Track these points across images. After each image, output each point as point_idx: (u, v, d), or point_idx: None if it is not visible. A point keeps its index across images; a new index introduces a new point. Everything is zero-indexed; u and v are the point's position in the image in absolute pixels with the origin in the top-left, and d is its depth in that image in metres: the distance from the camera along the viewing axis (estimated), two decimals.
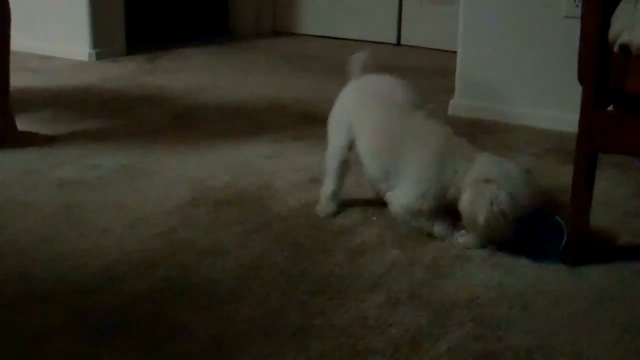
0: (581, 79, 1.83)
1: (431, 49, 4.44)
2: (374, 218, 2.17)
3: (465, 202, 1.92)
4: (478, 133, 3.00)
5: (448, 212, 2.01)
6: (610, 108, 1.88)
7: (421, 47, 4.51)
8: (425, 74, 3.89)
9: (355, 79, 2.25)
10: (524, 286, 1.80)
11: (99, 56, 4.16)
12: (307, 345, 1.55)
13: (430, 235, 2.02)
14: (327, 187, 2.22)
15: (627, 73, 1.76)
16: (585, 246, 1.93)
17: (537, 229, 1.97)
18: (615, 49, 1.76)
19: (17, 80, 3.48)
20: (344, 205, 2.25)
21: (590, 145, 1.84)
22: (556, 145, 2.83)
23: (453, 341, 1.57)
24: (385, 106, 2.12)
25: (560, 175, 2.39)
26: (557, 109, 3.01)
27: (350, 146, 2.19)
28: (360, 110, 2.17)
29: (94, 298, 1.75)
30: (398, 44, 4.64)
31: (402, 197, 2.03)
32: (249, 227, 2.12)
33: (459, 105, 3.24)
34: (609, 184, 2.44)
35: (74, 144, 2.84)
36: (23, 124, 2.89)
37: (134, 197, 2.33)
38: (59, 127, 3.05)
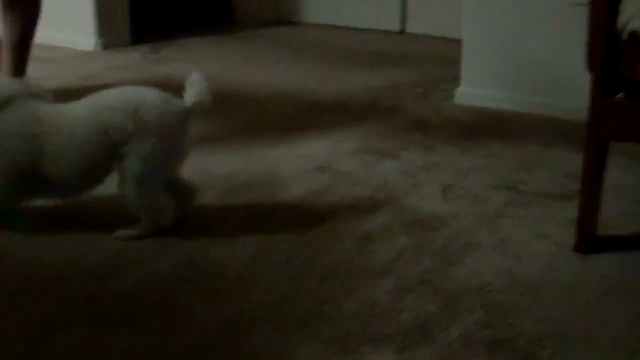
0: (590, 66, 1.82)
1: (436, 37, 4.42)
2: None
3: None
4: (484, 121, 2.99)
5: None
6: (620, 95, 1.87)
7: (426, 35, 4.49)
8: (431, 62, 3.88)
9: None
10: (534, 274, 1.79)
11: (105, 46, 4.14)
12: (317, 331, 1.55)
13: None
14: None
15: (636, 60, 1.75)
16: (595, 234, 1.93)
17: None
18: (625, 36, 1.76)
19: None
20: (353, 194, 2.25)
21: (600, 132, 1.83)
22: (564, 133, 2.82)
23: (463, 328, 1.57)
24: None
25: (570, 164, 2.39)
26: (563, 97, 3.00)
27: None
28: None
29: (104, 283, 1.75)
30: (402, 32, 4.61)
31: None
32: (256, 215, 2.12)
33: (465, 93, 3.23)
34: (618, 172, 2.42)
35: None
36: None
37: None
38: None
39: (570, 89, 2.90)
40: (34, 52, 2.96)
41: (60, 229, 2.02)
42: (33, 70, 2.99)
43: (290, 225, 2.06)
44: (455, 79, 3.29)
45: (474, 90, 3.22)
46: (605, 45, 1.78)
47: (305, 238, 1.98)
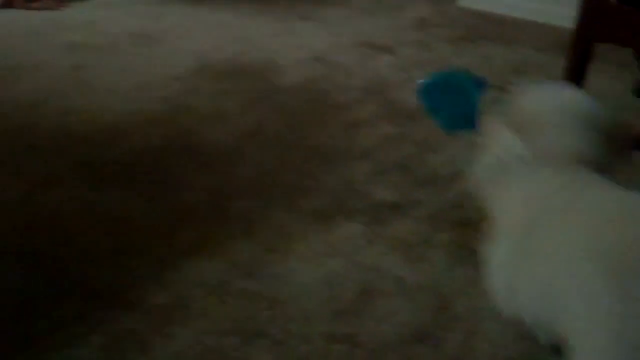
0: None
1: None
2: None
3: None
4: (483, 24, 3.02)
5: None
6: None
7: None
8: None
9: None
10: None
11: None
12: (296, 202, 1.65)
13: None
14: None
15: None
16: None
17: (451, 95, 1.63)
18: None
19: None
20: (346, 84, 2.31)
21: (587, 33, 1.88)
22: (555, 39, 2.84)
23: (433, 207, 1.67)
24: None
25: (556, 67, 2.43)
26: (563, 4, 3.00)
27: None
28: None
29: (99, 150, 1.84)
30: None
31: None
32: (250, 97, 2.20)
33: None
34: (607, 80, 2.48)
35: (84, 10, 2.89)
36: None
37: (140, 62, 2.40)
38: None
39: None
40: None
41: (58, 99, 2.10)
42: None
43: (282, 108, 2.14)
44: None
45: None
46: None
47: (295, 121, 2.06)
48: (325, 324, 1.28)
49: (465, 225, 1.60)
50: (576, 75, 1.92)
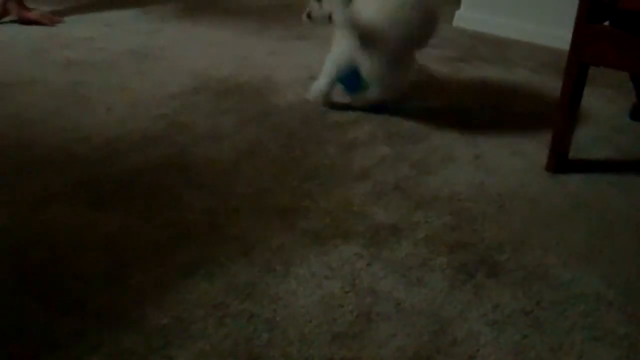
0: None
1: None
2: None
3: None
4: (478, 45, 3.05)
5: None
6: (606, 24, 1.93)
7: None
8: None
9: None
10: (503, 187, 1.89)
11: None
12: (294, 223, 1.66)
13: None
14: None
15: None
16: (567, 155, 2.02)
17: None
18: None
19: None
20: (341, 104, 2.33)
21: (582, 57, 1.90)
22: (551, 61, 2.87)
23: (430, 230, 1.67)
24: None
25: (555, 89, 2.46)
26: (558, 26, 3.03)
27: None
28: None
29: (95, 169, 1.84)
30: None
31: None
32: (247, 116, 2.20)
33: (464, 17, 3.27)
34: (602, 102, 2.50)
35: (82, 27, 2.90)
36: (32, 3, 2.93)
37: (138, 80, 2.40)
38: (68, 9, 3.08)
39: (564, 19, 2.93)
40: None
41: (55, 116, 2.11)
42: None
43: (279, 127, 2.14)
44: (457, 2, 3.32)
45: (473, 15, 3.25)
46: None
47: (292, 141, 2.07)
48: (324, 347, 1.28)
49: (463, 248, 1.61)
50: (573, 99, 1.94)
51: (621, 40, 1.84)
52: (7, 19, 2.85)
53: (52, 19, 2.91)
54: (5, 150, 1.91)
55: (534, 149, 2.11)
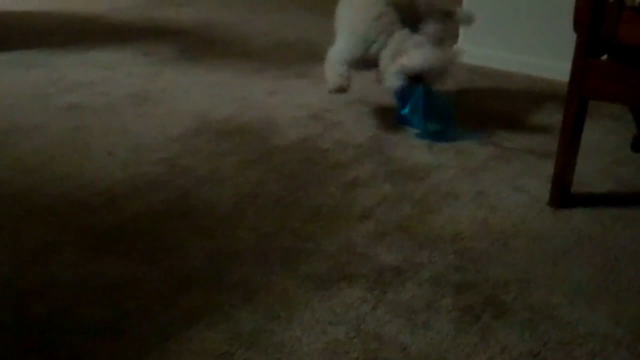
0: (576, 27, 1.88)
1: None
2: None
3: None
4: (478, 79, 3.06)
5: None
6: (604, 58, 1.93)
7: None
8: None
9: None
10: (507, 224, 1.88)
11: None
12: (296, 267, 1.65)
13: None
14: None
15: (618, 23, 1.81)
16: (569, 190, 2.01)
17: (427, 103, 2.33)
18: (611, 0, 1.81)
19: (28, 3, 3.53)
20: (343, 142, 2.33)
21: (581, 91, 1.90)
22: (551, 93, 2.88)
23: (434, 271, 1.66)
24: None
25: (552, 121, 2.46)
26: (556, 58, 3.05)
27: None
28: None
29: (97, 216, 1.84)
30: None
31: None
32: (248, 158, 2.20)
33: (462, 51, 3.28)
34: (601, 133, 2.50)
35: (82, 70, 2.91)
36: (34, 48, 2.96)
37: (139, 123, 2.41)
38: (69, 53, 3.11)
39: (563, 51, 2.95)
40: None
41: (56, 162, 2.11)
42: (39, 5, 3.05)
43: (280, 168, 2.14)
44: (454, 37, 3.34)
45: (470, 49, 3.26)
46: (592, 7, 1.84)
47: (294, 181, 2.06)
48: None
49: (468, 288, 1.59)
50: (574, 133, 1.94)
51: (620, 74, 1.84)
52: None
53: None
54: (6, 197, 1.91)
55: (536, 183, 2.10)
